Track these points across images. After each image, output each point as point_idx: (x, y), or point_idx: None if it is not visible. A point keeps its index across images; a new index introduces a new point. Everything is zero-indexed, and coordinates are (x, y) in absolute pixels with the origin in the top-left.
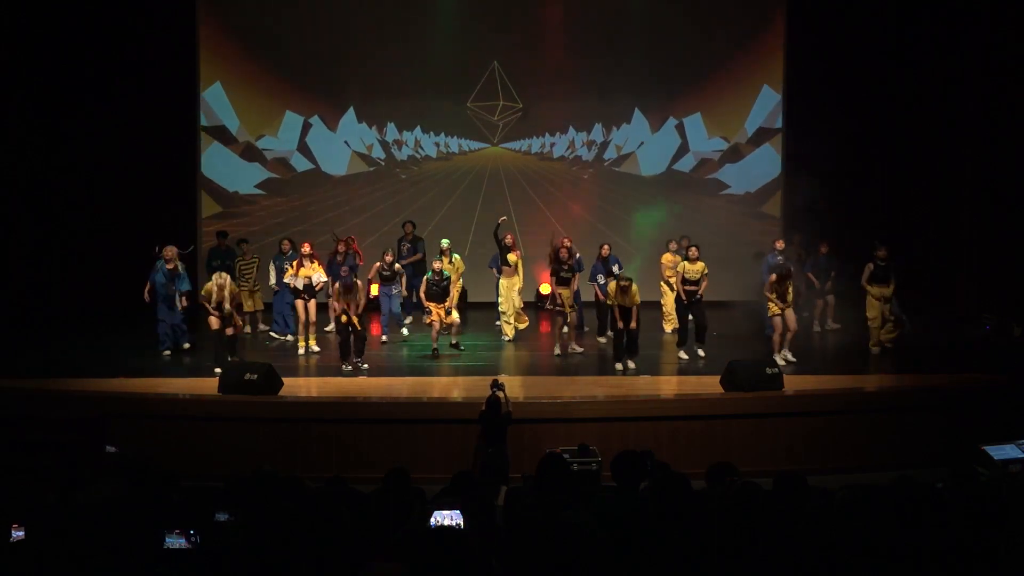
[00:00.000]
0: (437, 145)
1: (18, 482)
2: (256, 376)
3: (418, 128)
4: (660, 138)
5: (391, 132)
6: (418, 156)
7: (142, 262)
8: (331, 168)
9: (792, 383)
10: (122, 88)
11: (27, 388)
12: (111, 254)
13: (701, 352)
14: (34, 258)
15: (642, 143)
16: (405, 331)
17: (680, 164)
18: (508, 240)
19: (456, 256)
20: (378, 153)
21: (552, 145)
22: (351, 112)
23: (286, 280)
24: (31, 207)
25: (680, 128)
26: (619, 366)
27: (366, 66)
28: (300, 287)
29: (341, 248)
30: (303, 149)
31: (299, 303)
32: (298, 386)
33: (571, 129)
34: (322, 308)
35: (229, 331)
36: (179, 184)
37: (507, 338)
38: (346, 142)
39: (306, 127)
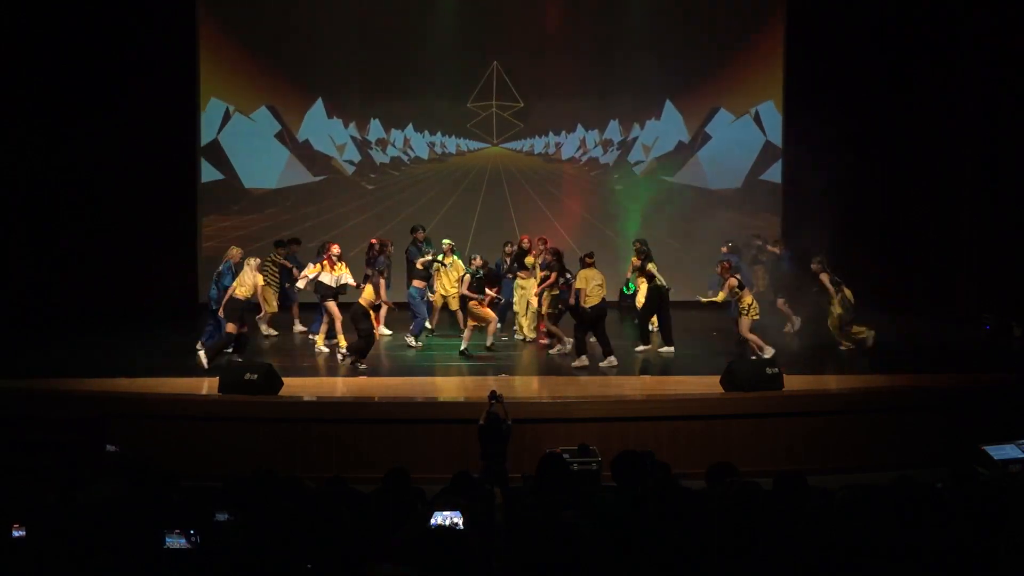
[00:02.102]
0: (432, 145)
1: (18, 482)
2: (256, 376)
3: (410, 126)
4: (728, 137)
5: (375, 130)
6: (406, 158)
7: (143, 262)
8: (255, 179)
9: (792, 383)
10: (123, 88)
11: (27, 388)
12: (111, 254)
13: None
14: (34, 258)
15: (679, 142)
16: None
17: (772, 173)
18: (524, 243)
19: (456, 257)
20: (351, 155)
21: (559, 145)
22: (319, 105)
23: (323, 279)
24: (31, 207)
25: (758, 121)
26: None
27: (352, 59)
28: (333, 285)
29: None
30: (212, 152)
31: (332, 304)
32: (298, 386)
33: (579, 127)
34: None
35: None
36: (179, 184)
37: (524, 337)
38: (308, 140)
39: (225, 119)
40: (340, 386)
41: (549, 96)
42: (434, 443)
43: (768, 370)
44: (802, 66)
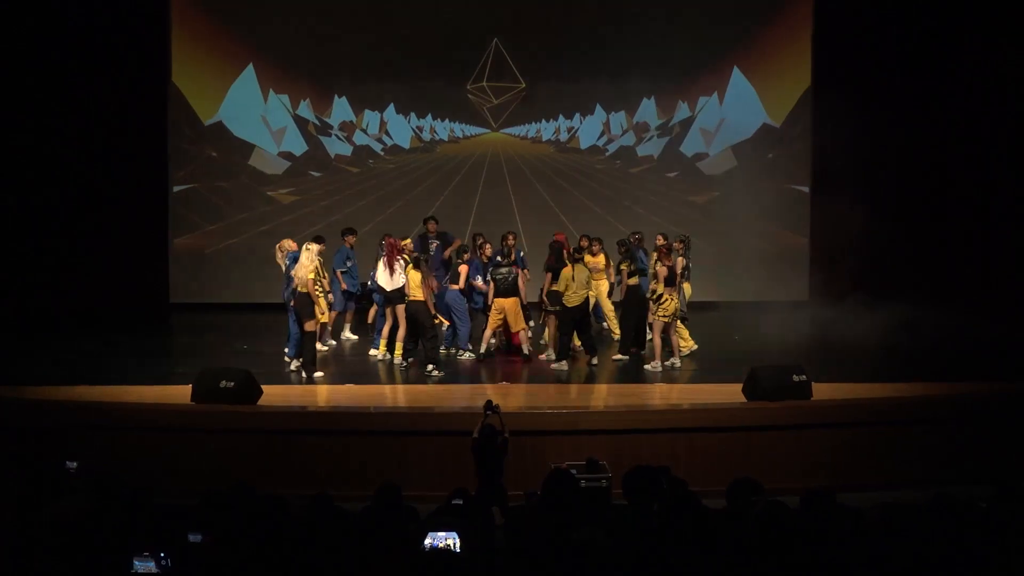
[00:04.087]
0: (419, 130)
1: None
2: (232, 383)
3: (391, 107)
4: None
5: (341, 111)
6: (379, 146)
7: (108, 261)
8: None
9: (821, 392)
10: (86, 78)
11: None
12: (74, 253)
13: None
14: None
15: (764, 124)
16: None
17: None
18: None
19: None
20: (292, 143)
21: (571, 131)
22: (249, 73)
23: (379, 281)
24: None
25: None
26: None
27: (317, 28)
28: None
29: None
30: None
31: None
32: (279, 395)
33: (598, 108)
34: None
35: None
36: (149, 178)
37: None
38: (221, 122)
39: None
40: (326, 395)
41: (558, 71)
42: (429, 457)
43: (795, 377)
44: (828, 53)
